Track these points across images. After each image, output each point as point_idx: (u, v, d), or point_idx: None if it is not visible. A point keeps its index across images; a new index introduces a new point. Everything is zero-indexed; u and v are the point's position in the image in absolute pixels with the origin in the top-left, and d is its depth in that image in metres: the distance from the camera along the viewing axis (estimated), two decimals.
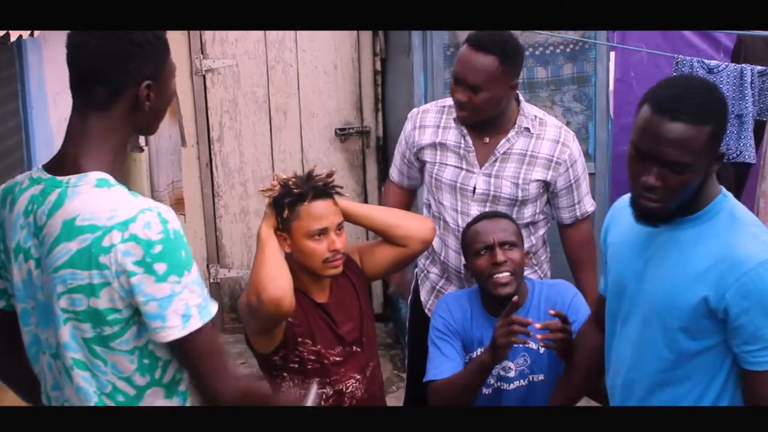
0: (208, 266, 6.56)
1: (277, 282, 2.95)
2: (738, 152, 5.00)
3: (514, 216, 3.70)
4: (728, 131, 4.98)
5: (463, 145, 3.72)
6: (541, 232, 3.86)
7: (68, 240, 2.06)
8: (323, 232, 3.09)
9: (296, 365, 3.17)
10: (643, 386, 2.58)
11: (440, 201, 3.80)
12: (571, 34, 5.33)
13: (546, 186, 3.74)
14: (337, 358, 3.21)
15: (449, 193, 3.77)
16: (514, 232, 3.40)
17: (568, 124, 5.40)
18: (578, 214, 3.82)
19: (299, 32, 6.26)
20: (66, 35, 2.16)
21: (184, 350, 2.12)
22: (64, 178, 2.12)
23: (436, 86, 5.21)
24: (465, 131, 3.72)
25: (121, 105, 2.14)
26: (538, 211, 3.79)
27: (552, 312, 3.21)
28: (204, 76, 6.25)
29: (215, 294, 6.55)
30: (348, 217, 3.23)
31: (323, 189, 3.12)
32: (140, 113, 2.17)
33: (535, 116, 3.75)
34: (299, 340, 3.15)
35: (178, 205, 5.81)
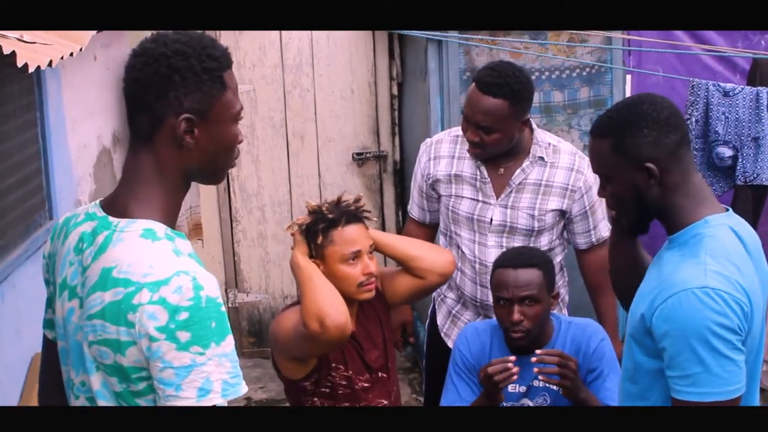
0: (226, 291, 6.57)
1: (339, 307, 2.96)
2: (755, 175, 4.98)
3: (530, 245, 3.69)
4: (745, 154, 4.97)
5: (478, 177, 3.72)
6: (558, 258, 3.84)
7: (103, 290, 1.97)
8: (357, 255, 3.11)
9: (328, 390, 3.18)
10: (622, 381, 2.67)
11: (457, 232, 3.80)
12: (588, 59, 5.34)
13: (562, 214, 3.74)
14: (366, 385, 3.22)
15: (466, 225, 3.77)
16: (538, 285, 3.34)
17: (584, 147, 5.40)
18: (594, 239, 3.81)
19: (316, 57, 6.29)
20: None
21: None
22: (114, 221, 2.03)
23: (453, 110, 5.23)
24: (479, 162, 3.71)
25: (162, 138, 2.02)
26: (554, 238, 3.78)
27: (539, 352, 3.25)
28: None
29: (233, 318, 6.57)
30: None
31: (355, 213, 3.14)
32: (185, 152, 2.04)
33: (549, 143, 3.73)
34: (333, 365, 3.16)
35: (195, 230, 5.84)
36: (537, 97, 5.34)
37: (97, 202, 2.12)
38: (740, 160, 4.98)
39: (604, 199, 3.76)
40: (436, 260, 3.30)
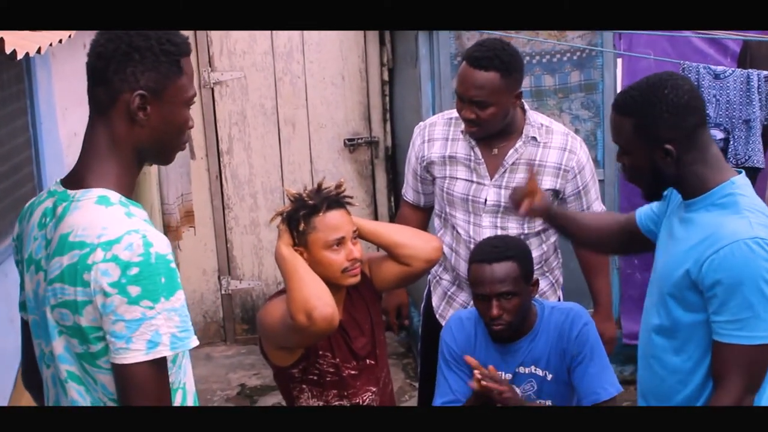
0: (219, 278, 6.57)
1: (325, 298, 2.95)
2: (746, 157, 4.98)
3: (524, 226, 3.73)
4: (736, 136, 4.98)
5: (472, 158, 3.74)
6: (553, 239, 3.86)
7: (61, 254, 2.06)
8: (341, 241, 3.10)
9: (315, 377, 3.18)
10: (643, 341, 2.85)
11: (452, 214, 3.81)
12: (578, 42, 5.34)
13: (556, 194, 3.75)
14: (353, 372, 3.22)
15: (461, 206, 3.79)
16: (515, 278, 3.33)
17: (576, 131, 5.39)
18: None
19: (306, 44, 6.29)
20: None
21: (131, 377, 2.02)
22: (72, 193, 2.13)
23: (444, 96, 5.22)
24: (473, 143, 3.73)
25: (117, 112, 2.13)
26: None
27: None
28: (212, 89, 6.27)
29: (227, 305, 6.58)
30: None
31: (336, 199, 3.13)
32: (138, 128, 2.14)
33: (542, 124, 3.76)
34: (320, 353, 3.16)
35: (188, 217, 5.83)
36: (528, 81, 5.34)
37: (58, 180, 2.23)
38: (732, 142, 4.98)
39: (596, 180, 3.82)
40: (422, 247, 3.28)
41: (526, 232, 3.75)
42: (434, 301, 4.02)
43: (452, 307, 3.92)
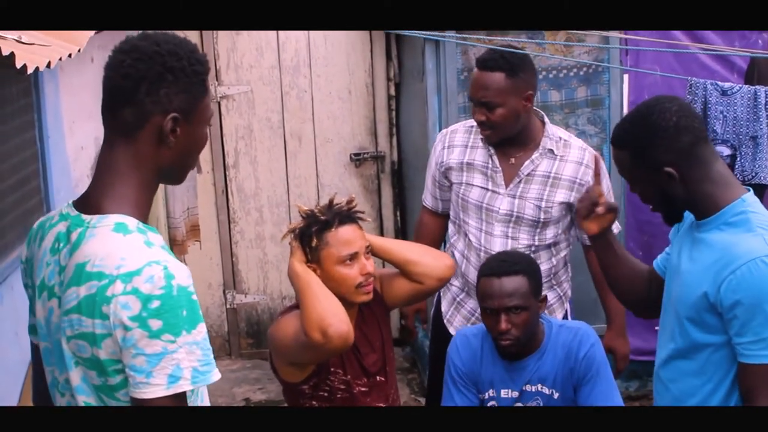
0: (224, 292, 6.56)
1: (340, 315, 2.94)
2: (753, 173, 4.98)
3: (535, 237, 3.75)
4: (743, 153, 4.97)
5: (490, 165, 3.79)
6: (563, 253, 3.88)
7: (78, 284, 2.00)
8: (354, 256, 3.09)
9: (326, 393, 3.17)
10: (661, 366, 2.82)
11: (465, 220, 3.85)
12: (585, 58, 5.34)
13: (569, 207, 3.77)
14: (363, 389, 3.21)
15: (475, 213, 3.82)
16: (524, 292, 3.32)
17: None
18: None
19: (313, 58, 6.30)
20: (105, 61, 2.13)
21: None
22: (87, 218, 2.07)
23: (450, 110, 5.22)
24: (492, 151, 3.78)
25: (145, 133, 2.06)
26: (559, 232, 3.82)
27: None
28: (219, 103, 6.28)
29: (232, 319, 6.57)
30: None
31: (348, 214, 3.13)
32: (165, 150, 2.08)
33: (560, 138, 3.80)
34: (331, 369, 3.15)
35: (193, 231, 5.83)
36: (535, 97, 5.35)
37: (70, 201, 2.16)
38: (739, 159, 4.98)
39: (612, 195, 3.82)
40: (434, 265, 3.27)
41: (536, 243, 3.78)
42: (443, 307, 4.04)
43: (460, 313, 3.94)
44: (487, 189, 3.79)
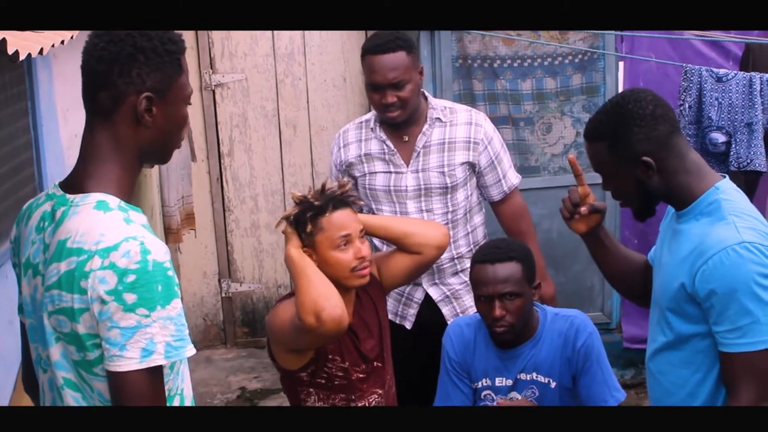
0: (219, 281, 6.56)
1: (334, 300, 2.93)
2: (748, 160, 4.97)
3: (449, 203, 3.87)
4: (738, 140, 4.97)
5: (386, 150, 3.91)
6: (477, 219, 4.00)
7: (59, 260, 2.04)
8: (348, 240, 3.09)
9: (323, 381, 3.17)
10: (650, 358, 2.82)
11: (378, 208, 3.94)
12: (580, 45, 5.33)
13: (471, 167, 3.91)
14: (361, 375, 3.21)
15: (385, 198, 3.92)
16: (518, 279, 3.32)
17: (578, 134, 5.40)
18: (505, 188, 3.98)
19: (308, 46, 6.29)
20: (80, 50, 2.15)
21: (125, 385, 2.00)
22: (71, 197, 2.11)
23: (446, 97, 5.20)
24: (384, 137, 3.91)
25: (122, 115, 2.10)
26: (470, 194, 3.94)
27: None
28: (213, 91, 6.26)
29: (227, 308, 6.57)
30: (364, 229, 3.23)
31: (341, 198, 3.13)
32: (143, 130, 2.12)
33: (445, 107, 3.97)
34: (329, 356, 3.15)
35: (188, 219, 5.82)
36: (530, 84, 5.35)
37: (57, 183, 2.21)
38: (734, 146, 4.98)
39: (506, 150, 3.93)
40: (432, 234, 3.33)
41: (451, 209, 3.90)
42: (390, 306, 4.03)
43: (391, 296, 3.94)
44: (390, 172, 3.91)
